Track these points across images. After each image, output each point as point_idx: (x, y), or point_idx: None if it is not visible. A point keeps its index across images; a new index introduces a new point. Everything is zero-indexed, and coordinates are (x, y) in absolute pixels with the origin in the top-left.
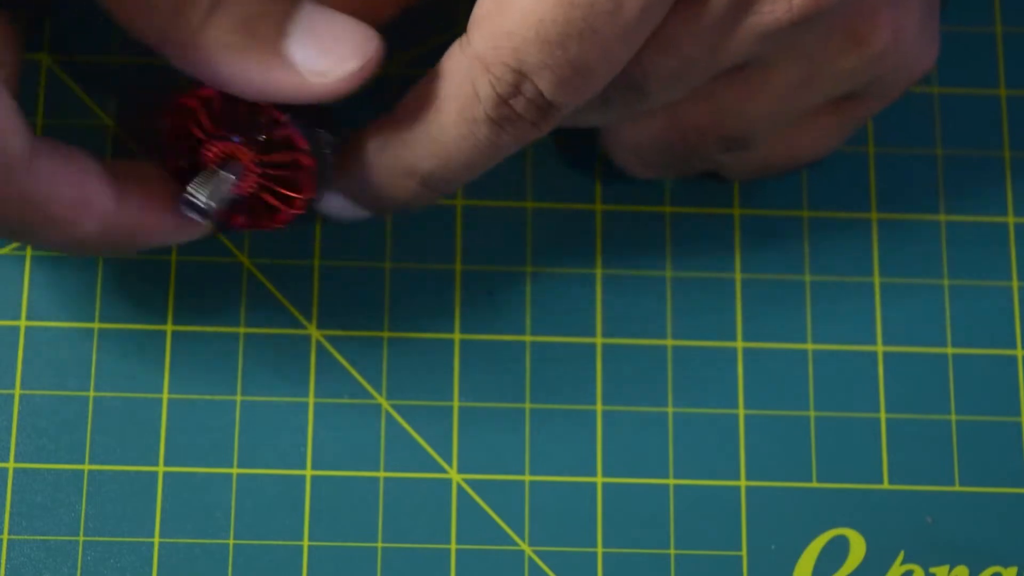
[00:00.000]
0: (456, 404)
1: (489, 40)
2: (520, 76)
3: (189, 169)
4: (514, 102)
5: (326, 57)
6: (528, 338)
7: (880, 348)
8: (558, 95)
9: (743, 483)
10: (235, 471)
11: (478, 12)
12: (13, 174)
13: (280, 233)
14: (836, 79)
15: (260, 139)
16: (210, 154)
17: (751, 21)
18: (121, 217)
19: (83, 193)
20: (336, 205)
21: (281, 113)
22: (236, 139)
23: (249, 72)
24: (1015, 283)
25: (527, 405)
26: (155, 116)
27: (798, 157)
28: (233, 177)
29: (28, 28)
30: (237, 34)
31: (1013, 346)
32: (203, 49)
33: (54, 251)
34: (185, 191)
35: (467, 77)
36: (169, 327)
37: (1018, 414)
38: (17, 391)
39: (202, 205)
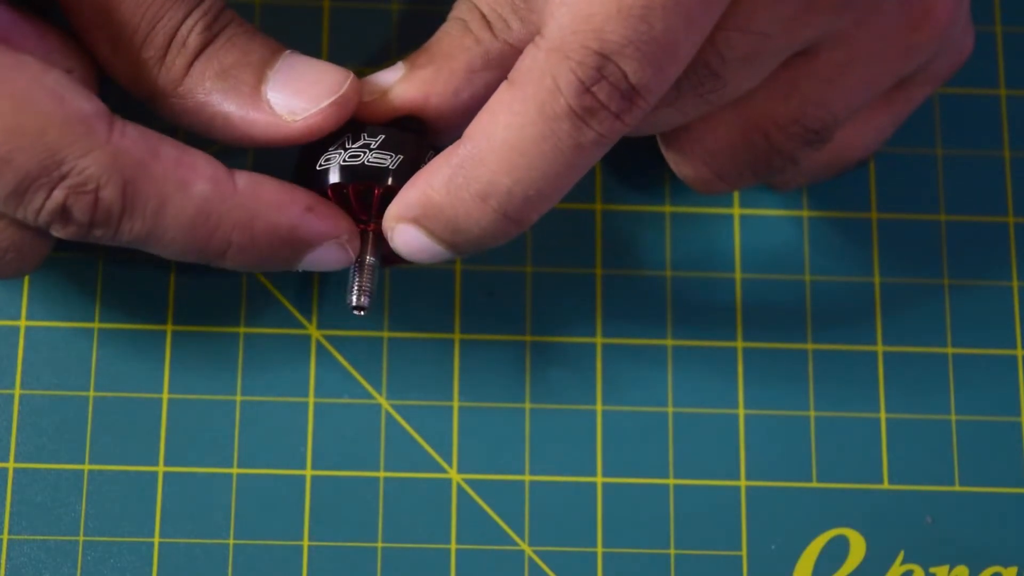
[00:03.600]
0: (456, 404)
1: (567, 27)
2: (603, 59)
3: None
4: (597, 89)
5: (299, 98)
6: (528, 338)
7: (880, 348)
8: (643, 76)
9: (743, 483)
10: (235, 471)
11: (548, 6)
12: (95, 136)
13: None
14: (906, 56)
15: (377, 209)
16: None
17: None
18: (241, 187)
19: (186, 154)
20: (412, 242)
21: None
22: (359, 219)
23: (230, 116)
24: (1015, 283)
25: (527, 405)
26: None
27: (854, 155)
28: (375, 259)
29: None
30: (219, 80)
31: (1013, 346)
32: (186, 96)
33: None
34: (351, 305)
35: (545, 70)
36: (169, 327)
37: (1018, 414)
38: (17, 391)
39: (367, 305)
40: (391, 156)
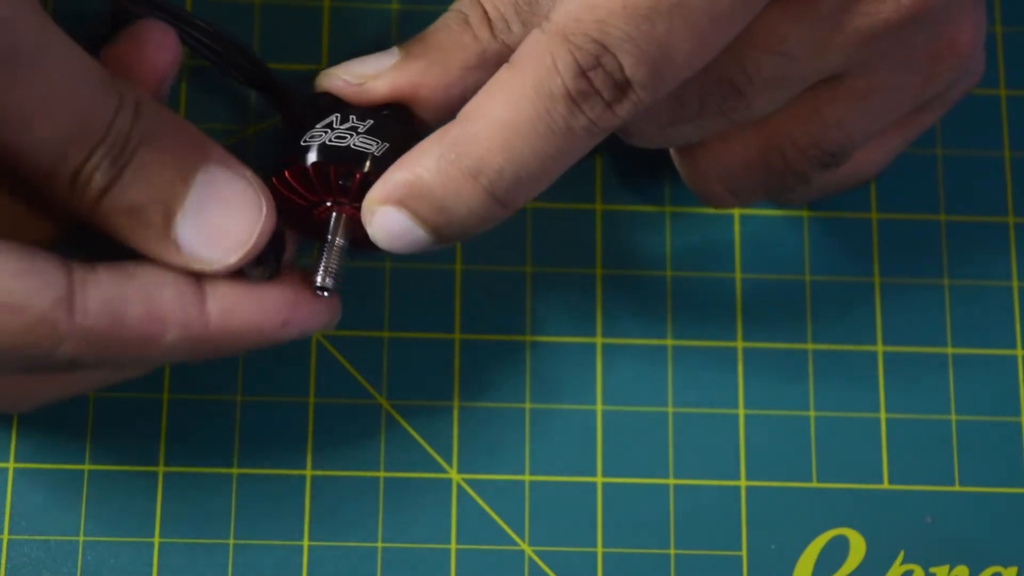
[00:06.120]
0: (456, 404)
1: (572, 13)
2: (602, 48)
3: (309, 227)
4: (593, 75)
5: (208, 249)
6: (528, 338)
7: (880, 348)
8: (638, 73)
9: (743, 483)
10: (235, 471)
11: None
12: (58, 330)
13: None
14: (928, 85)
15: (355, 194)
16: (318, 213)
17: (858, 21)
18: (211, 318)
19: (154, 305)
20: (393, 226)
21: (365, 172)
22: (335, 201)
23: (140, 249)
24: (1015, 283)
25: (527, 405)
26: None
27: (865, 173)
28: (345, 243)
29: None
30: (127, 218)
31: (1013, 346)
32: (99, 227)
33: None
34: (316, 286)
35: (546, 51)
36: None
37: (1018, 414)
38: None
39: (332, 287)
40: (377, 143)
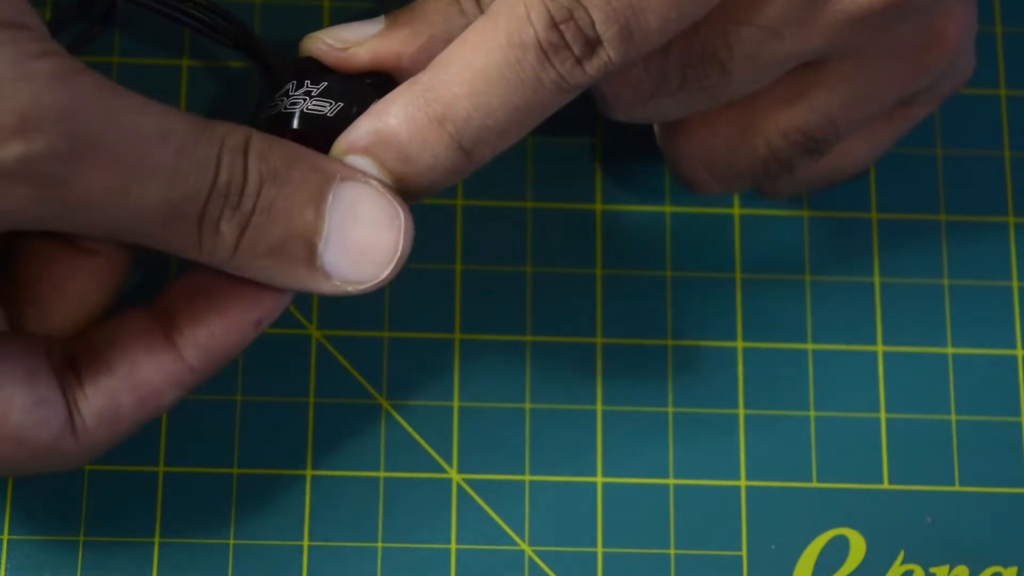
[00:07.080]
0: (456, 404)
1: None
2: (575, 2)
3: None
4: (565, 28)
5: (358, 269)
6: (528, 338)
7: (880, 348)
8: (608, 31)
9: (743, 483)
10: (235, 471)
11: None
12: (66, 452)
13: None
14: (915, 75)
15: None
16: None
17: (844, 3)
18: (195, 364)
19: (144, 385)
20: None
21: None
22: None
23: (288, 285)
24: (1015, 283)
25: (527, 405)
26: None
27: (849, 168)
28: None
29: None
30: (269, 259)
31: (1013, 346)
32: (240, 271)
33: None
34: None
35: (520, 1)
36: None
37: (1018, 414)
38: None
39: None
40: (330, 104)
